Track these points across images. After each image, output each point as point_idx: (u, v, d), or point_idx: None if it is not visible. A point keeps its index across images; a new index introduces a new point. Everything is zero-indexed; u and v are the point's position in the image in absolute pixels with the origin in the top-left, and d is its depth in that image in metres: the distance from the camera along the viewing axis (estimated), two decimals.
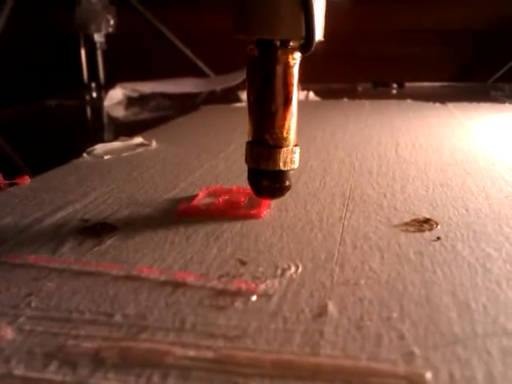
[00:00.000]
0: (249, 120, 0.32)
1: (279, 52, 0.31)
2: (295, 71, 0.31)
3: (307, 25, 0.29)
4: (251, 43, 0.31)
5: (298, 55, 0.31)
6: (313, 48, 0.30)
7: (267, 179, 0.32)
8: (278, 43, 0.31)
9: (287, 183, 0.33)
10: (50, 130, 0.79)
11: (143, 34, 1.26)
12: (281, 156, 0.31)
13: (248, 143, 0.33)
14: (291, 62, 0.31)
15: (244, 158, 0.33)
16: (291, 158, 0.32)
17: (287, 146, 0.32)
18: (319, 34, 0.30)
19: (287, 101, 0.31)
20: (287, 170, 0.32)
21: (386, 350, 0.19)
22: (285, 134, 0.32)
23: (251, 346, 0.19)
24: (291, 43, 0.31)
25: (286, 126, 0.31)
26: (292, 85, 0.31)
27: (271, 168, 0.32)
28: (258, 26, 0.30)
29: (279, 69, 0.31)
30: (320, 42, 0.31)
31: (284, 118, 0.31)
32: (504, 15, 1.21)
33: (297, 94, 0.32)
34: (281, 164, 0.32)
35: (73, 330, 0.20)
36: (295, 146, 0.32)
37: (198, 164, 0.47)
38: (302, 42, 0.30)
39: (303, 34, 0.29)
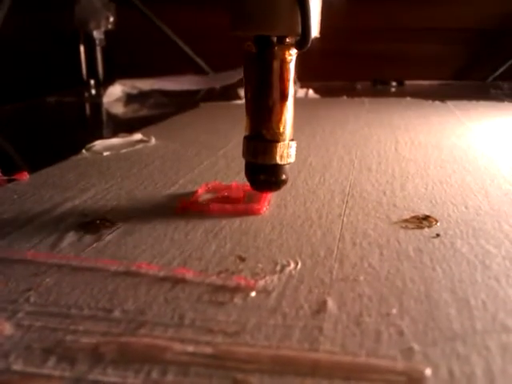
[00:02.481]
0: (246, 115, 0.33)
1: (276, 48, 0.31)
2: (291, 67, 0.32)
3: (303, 21, 0.29)
4: (248, 40, 0.32)
5: (294, 51, 0.31)
6: (309, 44, 0.30)
7: (264, 173, 0.33)
8: (275, 39, 0.31)
9: (284, 177, 0.33)
10: (49, 127, 0.79)
11: (143, 31, 1.26)
12: (277, 150, 0.32)
13: (245, 138, 0.33)
14: (288, 57, 0.31)
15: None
16: (287, 152, 0.33)
17: (284, 141, 0.32)
18: (315, 31, 0.31)
19: (283, 96, 0.32)
20: (283, 164, 0.33)
21: (386, 346, 0.19)
22: (281, 128, 0.32)
23: (250, 341, 0.19)
24: (288, 39, 0.31)
25: (283, 120, 0.32)
26: (288, 80, 0.32)
27: (268, 162, 0.32)
28: (257, 23, 0.30)
29: (276, 65, 0.31)
30: (316, 39, 0.31)
31: (280, 113, 0.32)
32: (504, 14, 1.21)
33: (293, 90, 0.32)
34: (277, 158, 0.32)
35: (71, 326, 0.20)
36: (291, 140, 0.33)
37: (197, 161, 0.47)
38: (298, 38, 0.30)
39: (299, 30, 0.30)
